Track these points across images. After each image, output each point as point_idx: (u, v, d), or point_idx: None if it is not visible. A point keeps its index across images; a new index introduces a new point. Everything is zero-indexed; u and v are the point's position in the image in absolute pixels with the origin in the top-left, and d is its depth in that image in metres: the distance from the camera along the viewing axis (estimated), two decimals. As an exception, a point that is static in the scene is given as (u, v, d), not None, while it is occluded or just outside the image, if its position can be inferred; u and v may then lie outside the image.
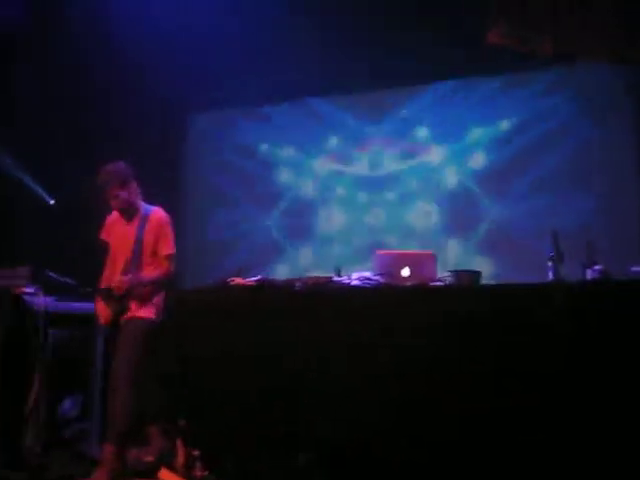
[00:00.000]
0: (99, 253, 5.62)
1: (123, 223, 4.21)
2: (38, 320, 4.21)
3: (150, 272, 4.07)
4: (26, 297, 4.27)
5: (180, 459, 3.65)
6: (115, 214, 4.28)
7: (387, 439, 3.20)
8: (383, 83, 6.14)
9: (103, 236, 4.31)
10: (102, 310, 4.07)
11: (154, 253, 4.11)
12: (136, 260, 4.07)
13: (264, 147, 6.84)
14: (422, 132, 6.28)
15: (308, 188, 6.67)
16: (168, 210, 4.45)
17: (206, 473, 3.55)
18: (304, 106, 6.66)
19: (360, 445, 3.18)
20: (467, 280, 3.51)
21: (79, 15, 5.90)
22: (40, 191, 6.58)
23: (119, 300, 3.99)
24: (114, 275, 4.10)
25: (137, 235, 4.11)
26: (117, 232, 4.22)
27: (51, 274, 4.54)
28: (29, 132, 6.23)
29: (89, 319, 4.62)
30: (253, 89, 6.33)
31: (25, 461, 4.01)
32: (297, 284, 3.71)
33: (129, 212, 4.18)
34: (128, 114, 6.38)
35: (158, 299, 4.09)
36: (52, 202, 6.65)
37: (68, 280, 4.64)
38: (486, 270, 4.57)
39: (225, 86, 6.38)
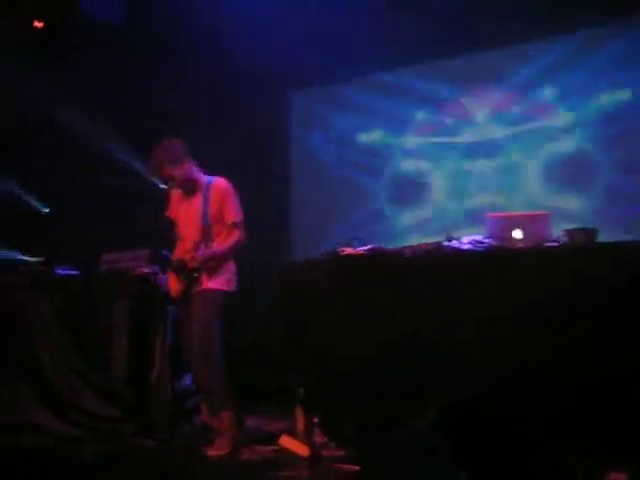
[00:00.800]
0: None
1: (186, 198, 4.21)
2: (159, 298, 4.39)
3: (220, 244, 4.07)
4: (146, 277, 4.46)
5: (300, 425, 3.73)
6: (177, 190, 4.29)
7: (503, 402, 3.15)
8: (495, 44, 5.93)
9: (169, 214, 4.33)
10: (173, 284, 4.10)
11: (222, 223, 4.10)
12: (205, 233, 4.07)
13: (366, 120, 6.72)
14: (538, 94, 5.96)
15: (415, 158, 6.54)
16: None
17: (326, 439, 3.61)
18: (403, 76, 6.51)
19: (478, 408, 3.14)
20: (582, 238, 3.40)
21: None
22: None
23: (191, 274, 4.03)
24: (185, 250, 4.13)
25: (202, 208, 4.10)
26: (182, 208, 4.23)
27: (167, 254, 4.71)
28: (140, 121, 6.42)
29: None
30: (351, 62, 6.23)
31: (154, 432, 4.20)
32: (407, 251, 3.70)
33: (189, 187, 4.17)
34: (230, 95, 6.48)
35: (229, 268, 4.11)
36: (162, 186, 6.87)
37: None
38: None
39: (326, 60, 6.30)
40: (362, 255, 3.74)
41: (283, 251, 6.66)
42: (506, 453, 2.76)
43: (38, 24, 5.75)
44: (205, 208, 4.09)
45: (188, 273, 4.02)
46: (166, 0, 6.07)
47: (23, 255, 6.20)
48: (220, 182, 4.19)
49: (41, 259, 5.64)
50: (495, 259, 3.47)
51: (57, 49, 5.95)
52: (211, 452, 3.85)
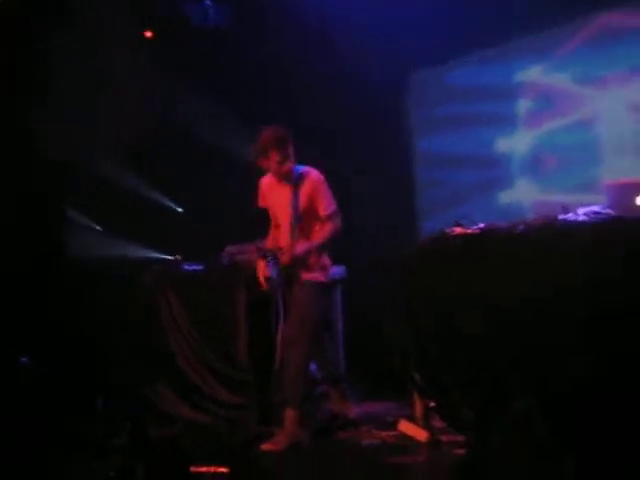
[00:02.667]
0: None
1: (278, 186, 4.23)
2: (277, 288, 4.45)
3: (316, 236, 4.14)
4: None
5: (418, 411, 3.68)
6: (267, 178, 4.31)
7: (599, 386, 2.94)
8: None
9: (261, 203, 4.38)
10: (263, 272, 4.15)
11: (313, 215, 4.14)
12: (298, 223, 4.13)
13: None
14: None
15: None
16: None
17: (444, 424, 3.53)
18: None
19: (576, 393, 2.95)
20: None
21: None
22: None
23: (286, 268, 4.09)
24: (279, 239, 4.24)
25: (293, 199, 4.13)
26: (274, 196, 4.27)
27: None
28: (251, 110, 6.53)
29: (327, 286, 4.83)
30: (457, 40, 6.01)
31: (276, 418, 4.28)
32: (520, 227, 3.54)
33: (285, 175, 4.18)
34: (348, 93, 6.45)
35: (324, 260, 4.16)
36: None
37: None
38: None
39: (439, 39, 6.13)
40: (473, 234, 3.61)
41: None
42: (617, 439, 2.58)
43: (148, 34, 5.96)
44: (296, 199, 4.13)
45: (283, 267, 4.08)
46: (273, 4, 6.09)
47: (158, 253, 6.53)
48: (311, 173, 4.21)
49: (175, 256, 5.91)
50: (613, 230, 3.24)
51: (172, 57, 6.15)
52: (265, 446, 3.90)
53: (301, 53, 6.24)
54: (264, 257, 4.17)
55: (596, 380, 2.84)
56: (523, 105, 5.97)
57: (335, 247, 5.13)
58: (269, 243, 4.31)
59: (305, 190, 4.14)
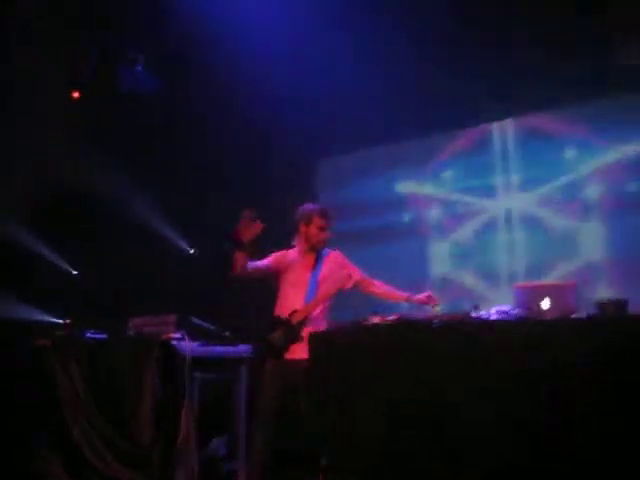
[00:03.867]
0: (239, 300, 5.91)
1: (298, 259, 4.52)
2: (185, 364, 4.41)
3: (325, 289, 4.39)
4: (173, 342, 4.49)
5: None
6: (292, 253, 4.56)
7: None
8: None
9: (273, 265, 4.54)
10: (279, 341, 4.30)
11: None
12: (312, 296, 4.38)
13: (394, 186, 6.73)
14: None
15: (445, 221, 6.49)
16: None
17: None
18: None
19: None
20: (611, 310, 3.40)
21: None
22: (181, 241, 6.95)
23: (293, 330, 4.24)
24: (290, 305, 4.37)
25: (316, 266, 4.47)
26: (291, 267, 4.51)
27: (195, 320, 4.76)
28: (168, 186, 6.56)
29: (232, 363, 4.85)
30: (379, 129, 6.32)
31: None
32: (435, 321, 3.71)
33: (320, 244, 4.52)
34: (257, 165, 6.60)
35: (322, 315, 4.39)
36: (193, 251, 6.98)
37: (211, 326, 4.85)
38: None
39: (351, 129, 6.39)
40: (390, 324, 3.75)
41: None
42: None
43: (75, 94, 5.91)
44: (319, 267, 4.50)
45: (292, 329, 4.28)
46: (203, 74, 6.20)
47: (49, 316, 6.31)
48: (335, 251, 4.64)
49: (67, 321, 5.74)
50: (523, 329, 3.46)
51: (93, 119, 6.11)
52: None
53: (223, 125, 6.36)
54: (280, 325, 4.34)
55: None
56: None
57: (241, 324, 5.20)
58: (277, 311, 4.46)
59: (328, 263, 4.50)
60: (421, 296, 4.28)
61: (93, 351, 4.79)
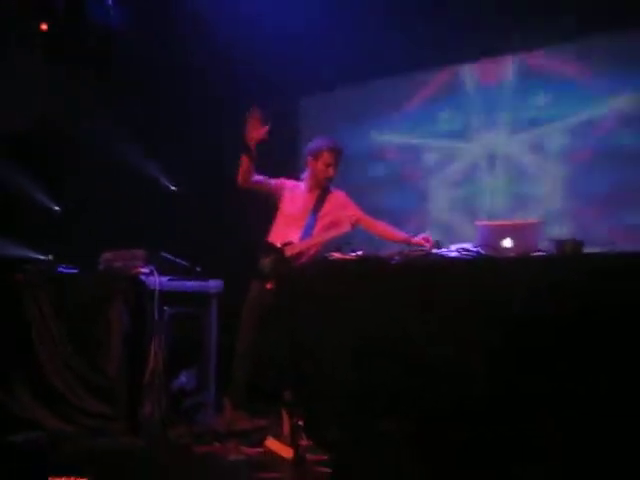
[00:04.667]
0: (208, 237, 5.91)
1: (302, 193, 4.55)
2: (153, 298, 4.43)
3: (327, 232, 4.40)
4: (142, 277, 4.50)
5: (285, 428, 3.76)
6: (299, 185, 4.61)
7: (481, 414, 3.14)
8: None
9: (277, 188, 4.61)
10: (267, 267, 4.32)
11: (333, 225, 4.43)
12: (309, 231, 4.41)
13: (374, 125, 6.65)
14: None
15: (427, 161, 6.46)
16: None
17: (310, 443, 3.63)
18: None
19: (458, 420, 3.13)
20: (569, 249, 3.38)
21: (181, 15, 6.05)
22: (163, 177, 6.91)
23: (283, 261, 4.24)
24: (283, 238, 4.39)
25: (317, 203, 4.49)
26: (294, 199, 4.54)
27: (165, 255, 4.77)
28: (149, 123, 6.49)
29: (202, 298, 4.87)
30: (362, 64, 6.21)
31: (145, 431, 4.25)
32: (395, 257, 3.70)
33: (325, 180, 4.52)
34: (241, 101, 6.49)
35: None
36: (174, 188, 6.96)
37: (181, 261, 4.86)
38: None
39: (334, 65, 6.28)
40: (349, 260, 3.75)
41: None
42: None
43: (43, 26, 5.81)
44: (319, 204, 4.52)
45: (285, 262, 4.28)
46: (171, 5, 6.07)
47: (34, 253, 6.32)
48: (339, 191, 4.66)
49: (49, 257, 5.74)
50: (478, 267, 3.46)
51: (65, 53, 6.01)
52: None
53: (200, 65, 6.26)
54: (270, 253, 4.35)
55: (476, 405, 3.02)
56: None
57: (214, 260, 5.20)
58: (271, 238, 4.48)
59: (331, 201, 4.52)
60: (418, 238, 4.26)
61: (64, 286, 4.81)
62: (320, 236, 4.37)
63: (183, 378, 4.63)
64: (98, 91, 6.45)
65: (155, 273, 4.52)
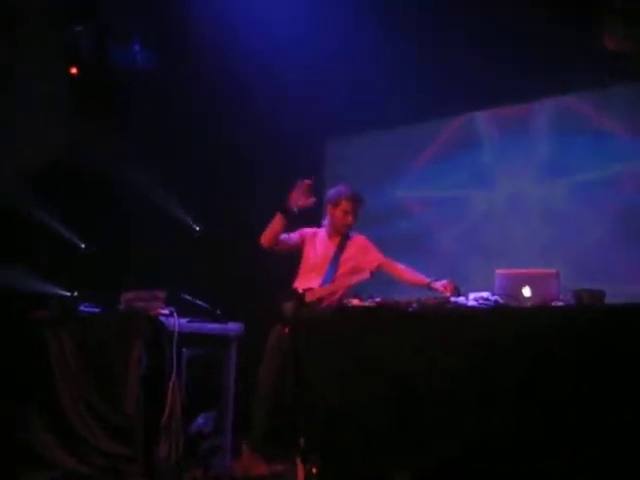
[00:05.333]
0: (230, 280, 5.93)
1: (324, 238, 4.60)
2: (172, 339, 4.44)
3: (348, 278, 4.39)
4: (162, 318, 4.52)
5: (300, 477, 3.72)
6: (320, 232, 4.64)
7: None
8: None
9: (300, 240, 4.64)
10: (287, 311, 4.29)
11: (354, 272, 4.42)
12: (331, 276, 4.42)
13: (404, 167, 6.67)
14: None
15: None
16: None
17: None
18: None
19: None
20: (588, 299, 3.36)
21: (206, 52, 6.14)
22: (187, 219, 6.97)
23: (304, 307, 4.25)
24: (306, 283, 4.42)
25: (338, 249, 4.52)
26: (318, 245, 4.58)
27: (185, 296, 4.80)
28: (173, 165, 6.57)
29: (221, 340, 4.87)
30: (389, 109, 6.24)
31: (161, 474, 4.23)
32: (414, 305, 3.69)
33: (344, 227, 4.56)
34: (265, 145, 6.57)
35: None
36: (197, 230, 7.01)
37: (202, 303, 4.88)
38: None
39: (362, 108, 6.32)
40: (367, 308, 3.75)
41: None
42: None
43: (73, 70, 5.94)
44: (340, 250, 4.53)
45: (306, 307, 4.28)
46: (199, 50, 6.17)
47: (56, 289, 6.38)
48: (360, 235, 4.67)
49: (72, 293, 5.81)
50: (500, 317, 3.44)
51: (91, 94, 6.13)
52: None
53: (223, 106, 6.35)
54: (294, 299, 4.35)
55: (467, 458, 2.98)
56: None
57: (234, 303, 5.22)
58: (295, 285, 4.51)
59: (352, 247, 4.54)
60: (439, 284, 4.24)
61: (85, 324, 4.85)
62: (340, 282, 4.36)
63: (201, 420, 4.61)
64: (126, 134, 6.55)
65: (175, 314, 4.54)
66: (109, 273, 6.34)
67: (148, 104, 6.34)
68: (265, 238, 4.47)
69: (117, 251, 6.76)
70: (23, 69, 5.69)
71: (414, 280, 4.49)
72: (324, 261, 4.52)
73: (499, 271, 3.79)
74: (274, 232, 4.44)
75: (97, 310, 5.01)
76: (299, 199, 4.37)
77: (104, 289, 5.49)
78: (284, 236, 4.54)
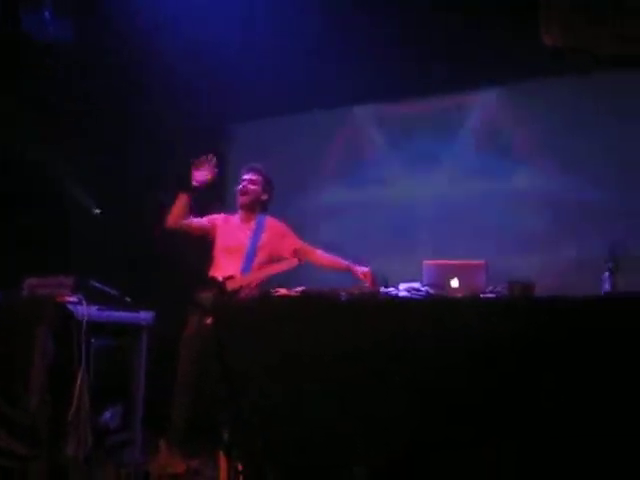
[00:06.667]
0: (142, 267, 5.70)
1: (237, 224, 4.43)
2: (80, 328, 4.18)
3: (271, 266, 4.25)
4: (69, 305, 4.25)
5: (222, 473, 3.58)
6: (232, 217, 4.51)
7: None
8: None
9: (209, 225, 4.49)
10: (206, 301, 4.13)
11: (272, 258, 4.31)
12: (250, 263, 4.27)
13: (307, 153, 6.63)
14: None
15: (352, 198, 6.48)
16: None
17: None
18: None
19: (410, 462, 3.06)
20: (519, 291, 3.38)
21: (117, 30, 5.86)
22: (89, 201, 6.64)
23: (224, 296, 4.09)
24: (226, 270, 4.25)
25: (255, 234, 4.36)
26: (229, 231, 4.42)
27: (94, 283, 4.53)
28: (78, 145, 6.23)
29: (132, 329, 4.64)
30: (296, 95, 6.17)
31: (67, 469, 3.99)
32: (342, 294, 3.61)
33: (248, 212, 4.41)
34: (170, 129, 6.36)
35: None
36: (98, 212, 6.68)
37: (112, 290, 4.63)
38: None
39: (266, 94, 6.22)
40: (294, 297, 3.64)
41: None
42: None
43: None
44: (257, 234, 4.39)
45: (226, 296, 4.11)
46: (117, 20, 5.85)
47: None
48: (275, 219, 4.56)
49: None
50: (431, 308, 3.40)
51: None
52: None
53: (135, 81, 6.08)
54: (213, 288, 4.17)
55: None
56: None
57: (145, 291, 4.99)
58: (212, 272, 4.31)
59: (268, 231, 4.38)
60: (359, 270, 4.19)
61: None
62: (265, 270, 4.23)
63: (108, 414, 4.38)
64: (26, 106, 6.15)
65: (83, 302, 4.28)
66: (9, 258, 5.93)
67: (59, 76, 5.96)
68: (169, 217, 4.37)
69: (18, 235, 6.34)
70: None
71: (333, 263, 4.45)
72: (240, 246, 4.39)
73: (427, 262, 3.77)
74: (177, 211, 4.36)
75: (-4, 297, 4.65)
76: (198, 174, 4.32)
77: (4, 274, 5.14)
78: (188, 220, 4.41)
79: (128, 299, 4.67)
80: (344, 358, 3.34)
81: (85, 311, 4.23)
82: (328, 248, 4.68)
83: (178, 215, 4.34)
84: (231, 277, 4.20)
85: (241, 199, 4.44)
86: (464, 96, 6.11)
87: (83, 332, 4.18)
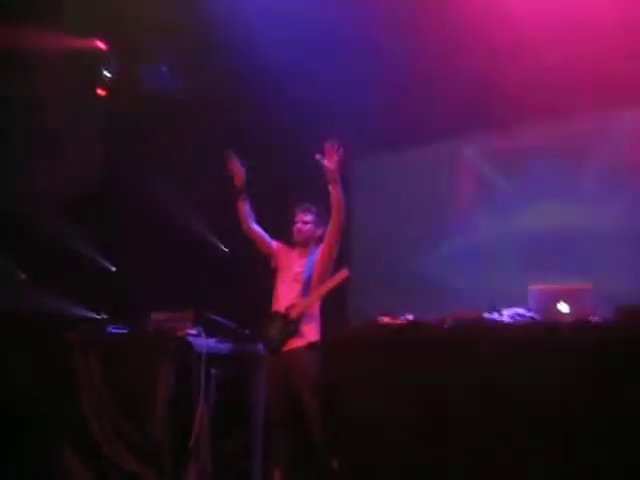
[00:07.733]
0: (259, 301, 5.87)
1: (296, 257, 4.42)
2: (200, 360, 4.39)
3: (326, 284, 4.23)
4: (190, 338, 4.48)
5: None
6: (287, 248, 4.51)
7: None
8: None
9: (269, 244, 4.55)
10: (275, 336, 4.18)
11: (321, 277, 4.28)
12: (307, 289, 4.26)
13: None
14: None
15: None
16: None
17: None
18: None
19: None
20: (629, 314, 3.25)
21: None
22: (215, 240, 6.93)
23: (290, 324, 4.13)
24: (284, 300, 4.27)
25: (308, 260, 4.34)
26: (289, 265, 4.42)
27: (214, 316, 4.75)
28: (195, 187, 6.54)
29: (249, 360, 4.80)
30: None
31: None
32: (447, 322, 3.61)
33: (305, 247, 4.41)
34: (289, 167, 6.50)
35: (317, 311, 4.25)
36: (225, 250, 6.96)
37: (230, 323, 4.83)
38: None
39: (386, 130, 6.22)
40: (399, 326, 3.67)
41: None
42: None
43: (101, 92, 5.97)
44: (310, 261, 4.36)
45: (287, 324, 4.16)
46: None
47: (88, 311, 6.37)
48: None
49: (102, 316, 5.80)
50: (537, 333, 3.35)
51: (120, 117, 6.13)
52: None
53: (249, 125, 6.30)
54: (272, 320, 4.25)
55: None
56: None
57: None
58: (274, 304, 4.36)
59: (318, 258, 4.36)
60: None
61: (113, 346, 4.82)
62: (321, 289, 4.23)
63: (229, 443, 4.54)
64: (152, 155, 6.55)
65: (203, 334, 4.50)
66: (137, 295, 6.31)
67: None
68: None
69: (145, 272, 6.72)
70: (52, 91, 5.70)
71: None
72: (298, 278, 4.37)
73: (532, 287, 3.69)
74: (238, 215, 4.53)
75: (125, 331, 4.97)
76: (232, 171, 4.51)
77: (133, 311, 5.48)
78: (259, 229, 4.58)
79: (246, 331, 4.85)
80: (451, 384, 3.33)
81: (204, 343, 4.45)
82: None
83: (240, 218, 4.50)
84: (292, 306, 4.23)
85: (297, 238, 4.47)
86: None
87: (203, 363, 4.39)
